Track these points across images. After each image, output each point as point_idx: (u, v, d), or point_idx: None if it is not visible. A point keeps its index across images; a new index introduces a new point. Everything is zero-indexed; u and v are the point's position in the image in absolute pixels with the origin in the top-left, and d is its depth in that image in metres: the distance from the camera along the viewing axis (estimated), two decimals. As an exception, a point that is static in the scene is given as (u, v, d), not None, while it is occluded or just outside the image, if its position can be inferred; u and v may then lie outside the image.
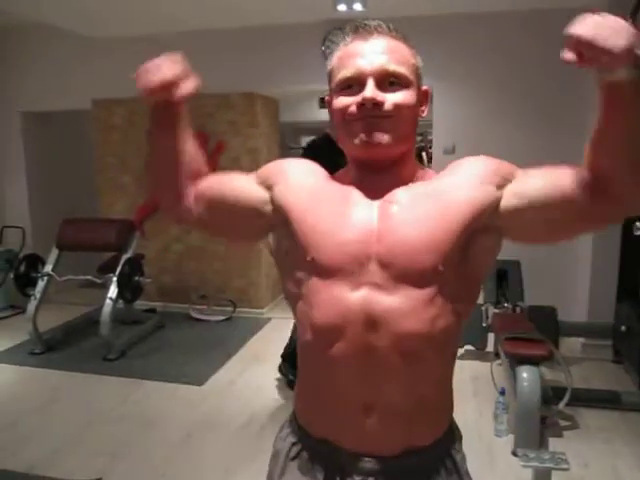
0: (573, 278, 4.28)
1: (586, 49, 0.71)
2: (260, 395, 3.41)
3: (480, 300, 3.94)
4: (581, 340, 4.05)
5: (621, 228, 3.73)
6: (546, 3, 3.94)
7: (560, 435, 2.85)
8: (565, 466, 1.99)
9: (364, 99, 0.88)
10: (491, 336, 3.76)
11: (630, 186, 0.80)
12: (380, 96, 0.89)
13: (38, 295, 4.10)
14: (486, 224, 0.91)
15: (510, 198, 0.90)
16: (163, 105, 0.97)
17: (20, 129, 5.44)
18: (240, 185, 1.05)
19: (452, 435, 1.00)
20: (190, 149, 1.04)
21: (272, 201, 0.99)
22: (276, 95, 5.24)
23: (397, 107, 0.90)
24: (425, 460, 0.93)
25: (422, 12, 4.15)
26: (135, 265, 4.26)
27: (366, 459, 0.91)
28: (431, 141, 5.17)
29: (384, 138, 0.90)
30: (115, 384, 3.59)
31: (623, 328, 3.65)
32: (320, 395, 0.96)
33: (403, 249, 0.87)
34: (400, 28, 0.95)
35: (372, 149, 0.91)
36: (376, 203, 0.93)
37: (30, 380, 3.72)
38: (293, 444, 1.00)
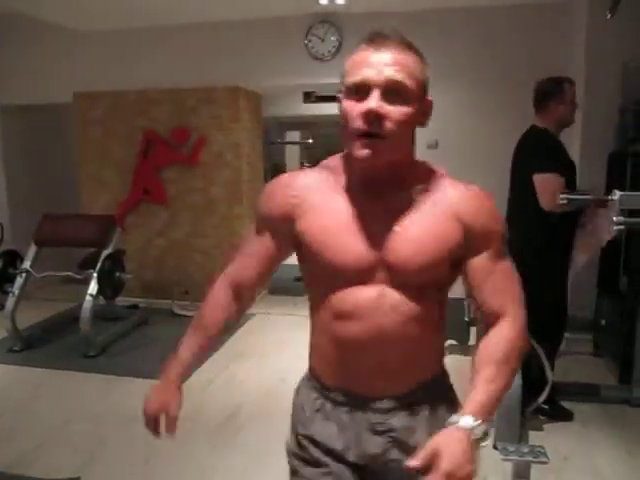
0: (554, 273, 4.31)
1: None
2: (242, 391, 3.40)
3: (463, 295, 3.96)
4: (562, 334, 4.08)
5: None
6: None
7: (540, 428, 2.88)
8: (544, 459, 2.00)
9: (368, 110, 0.95)
10: (473, 330, 3.78)
11: None
12: (383, 109, 0.96)
13: (16, 292, 4.03)
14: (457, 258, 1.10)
15: (468, 257, 1.09)
16: None
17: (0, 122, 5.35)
18: (259, 250, 1.19)
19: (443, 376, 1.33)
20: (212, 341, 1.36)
21: (290, 236, 1.12)
22: (260, 89, 5.20)
23: (395, 125, 0.97)
24: (428, 392, 1.19)
25: (404, 8, 4.14)
26: (116, 261, 4.21)
27: (381, 400, 1.12)
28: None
29: (377, 159, 1.00)
30: (95, 381, 3.56)
31: (603, 322, 3.69)
32: (336, 361, 1.13)
33: (403, 263, 1.06)
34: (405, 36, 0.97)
35: (366, 163, 1.02)
36: (381, 220, 1.06)
37: (9, 378, 3.67)
38: (315, 399, 1.17)
